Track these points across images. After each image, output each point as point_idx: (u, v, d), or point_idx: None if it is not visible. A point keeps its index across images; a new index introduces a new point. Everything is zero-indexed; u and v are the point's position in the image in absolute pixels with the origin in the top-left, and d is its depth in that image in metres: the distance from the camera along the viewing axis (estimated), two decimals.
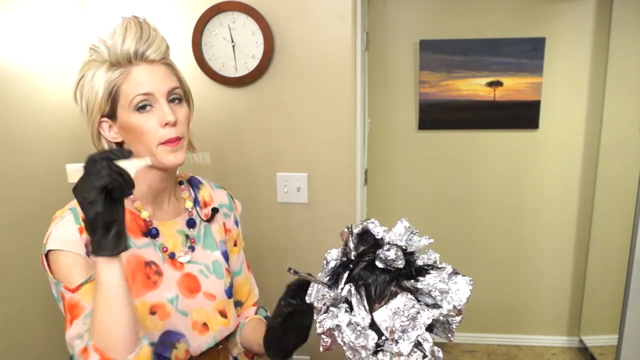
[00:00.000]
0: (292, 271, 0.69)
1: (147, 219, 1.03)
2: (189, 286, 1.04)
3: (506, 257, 2.83)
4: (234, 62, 1.79)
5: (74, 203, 0.98)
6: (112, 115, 0.97)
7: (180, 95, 0.99)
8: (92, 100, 0.96)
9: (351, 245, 0.68)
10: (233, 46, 1.78)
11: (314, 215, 1.90)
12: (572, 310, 2.84)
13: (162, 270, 1.01)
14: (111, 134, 0.99)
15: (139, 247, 1.01)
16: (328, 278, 0.70)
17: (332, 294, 0.67)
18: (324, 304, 0.67)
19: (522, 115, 2.63)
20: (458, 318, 0.65)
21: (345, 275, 0.68)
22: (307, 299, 0.70)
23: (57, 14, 1.76)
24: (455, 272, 0.67)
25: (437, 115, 2.68)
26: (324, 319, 0.65)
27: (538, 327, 2.89)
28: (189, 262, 1.06)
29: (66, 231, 0.93)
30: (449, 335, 0.67)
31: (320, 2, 1.74)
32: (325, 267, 0.70)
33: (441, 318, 0.66)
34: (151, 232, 1.03)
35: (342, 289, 0.67)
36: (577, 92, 2.60)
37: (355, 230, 0.70)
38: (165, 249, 1.03)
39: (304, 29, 1.76)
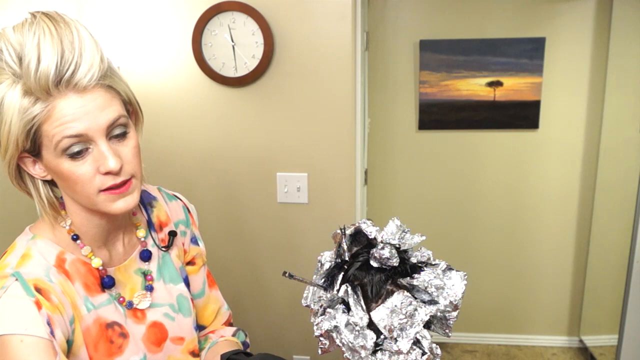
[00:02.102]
0: (287, 275, 0.68)
1: (101, 268, 0.83)
2: (155, 339, 0.89)
3: (506, 257, 2.83)
4: (234, 62, 1.80)
5: (15, 260, 0.76)
6: (35, 153, 0.74)
7: (124, 125, 0.75)
8: (4, 134, 0.71)
9: (344, 246, 0.68)
10: (233, 46, 1.79)
11: (314, 215, 1.90)
12: (572, 310, 2.84)
13: (127, 331, 0.85)
14: (37, 170, 0.76)
15: (98, 307, 0.82)
16: (323, 280, 0.70)
17: (328, 296, 0.67)
18: (321, 306, 0.67)
19: (522, 115, 2.63)
20: (455, 313, 0.66)
21: (340, 276, 0.68)
22: (304, 302, 0.70)
23: None
24: (449, 268, 0.67)
25: (437, 115, 2.68)
26: (322, 321, 0.65)
27: (538, 327, 2.89)
28: (150, 306, 0.89)
29: (17, 308, 0.70)
30: (447, 331, 0.68)
31: (320, 2, 1.74)
32: (319, 269, 0.70)
33: (438, 314, 0.66)
34: (105, 283, 0.83)
35: (338, 290, 0.67)
36: (577, 92, 2.60)
37: (348, 231, 0.70)
38: (122, 299, 0.86)
39: (304, 29, 1.76)
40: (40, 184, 0.78)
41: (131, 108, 0.82)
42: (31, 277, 0.74)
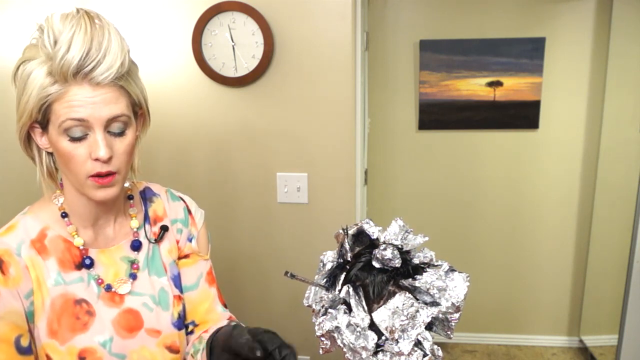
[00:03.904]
0: (288, 275, 0.68)
1: (81, 247, 0.89)
2: (128, 324, 0.91)
3: (506, 257, 2.83)
4: (234, 62, 1.79)
5: (1, 229, 0.87)
6: (44, 125, 0.83)
7: (123, 123, 0.83)
8: (23, 103, 0.81)
9: (347, 246, 0.68)
10: (233, 46, 1.78)
11: (314, 215, 1.90)
12: (572, 310, 2.84)
13: (94, 310, 0.88)
14: (43, 141, 0.85)
15: (68, 283, 0.87)
16: (325, 280, 0.70)
17: (330, 296, 0.67)
18: (322, 306, 0.67)
19: (522, 115, 2.63)
20: (457, 315, 0.65)
21: (342, 276, 0.68)
22: (305, 302, 0.70)
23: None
24: (452, 269, 0.67)
25: (437, 115, 2.68)
26: (323, 321, 0.65)
27: (538, 327, 2.90)
28: (130, 293, 0.93)
29: None
30: (449, 332, 0.67)
31: (320, 2, 1.74)
32: (321, 269, 0.70)
33: (440, 316, 0.66)
34: (84, 263, 0.89)
35: (339, 290, 0.67)
36: (577, 92, 2.60)
37: (350, 231, 0.70)
38: (100, 281, 0.90)
39: (304, 29, 1.76)
40: (44, 153, 0.87)
41: (140, 110, 0.90)
42: (3, 247, 0.83)
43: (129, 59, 0.83)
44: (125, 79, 0.82)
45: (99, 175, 0.81)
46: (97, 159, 0.80)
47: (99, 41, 0.77)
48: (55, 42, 0.77)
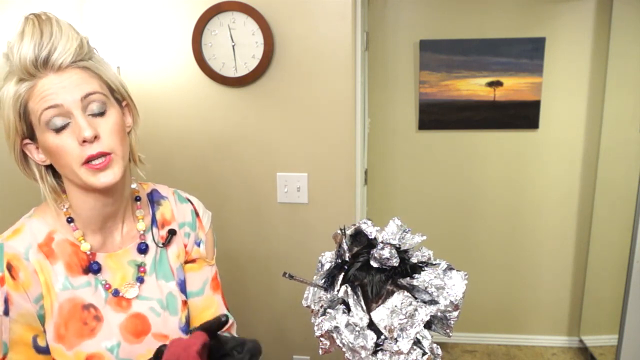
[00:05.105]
0: (286, 275, 0.68)
1: (88, 252, 0.88)
2: (135, 329, 0.90)
3: (506, 257, 2.83)
4: (234, 62, 1.80)
5: (7, 233, 0.85)
6: (32, 136, 0.82)
7: (101, 102, 0.82)
8: (6, 121, 0.81)
9: (345, 246, 0.68)
10: (233, 46, 1.79)
11: (314, 215, 1.90)
12: (572, 310, 2.84)
13: (101, 315, 0.87)
14: (40, 156, 0.85)
15: (76, 288, 0.86)
16: (324, 280, 0.70)
17: (328, 296, 0.67)
18: (321, 307, 0.67)
19: (522, 115, 2.63)
20: (455, 313, 0.65)
21: (341, 276, 0.68)
22: (304, 303, 0.70)
23: (57, 14, 1.76)
24: (450, 268, 0.67)
25: (437, 115, 2.68)
26: (322, 321, 0.65)
27: (538, 327, 2.89)
28: (137, 297, 0.92)
29: None
30: (448, 331, 0.67)
31: (320, 2, 1.74)
32: (320, 269, 0.70)
33: (439, 314, 0.66)
34: (92, 268, 0.88)
35: (338, 290, 0.67)
36: (577, 92, 2.60)
37: (348, 232, 0.70)
38: (107, 285, 0.89)
39: (304, 29, 1.76)
40: (43, 170, 0.86)
41: (124, 102, 0.89)
42: (11, 251, 0.82)
43: (91, 48, 0.84)
44: (88, 62, 0.82)
45: (91, 160, 0.79)
46: (84, 141, 0.78)
47: (48, 30, 0.78)
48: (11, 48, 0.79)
